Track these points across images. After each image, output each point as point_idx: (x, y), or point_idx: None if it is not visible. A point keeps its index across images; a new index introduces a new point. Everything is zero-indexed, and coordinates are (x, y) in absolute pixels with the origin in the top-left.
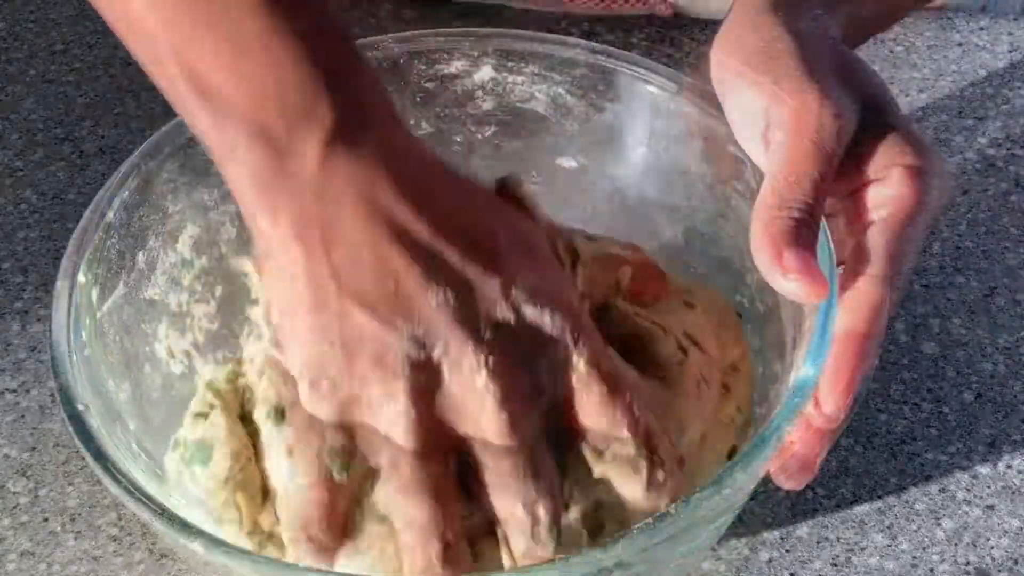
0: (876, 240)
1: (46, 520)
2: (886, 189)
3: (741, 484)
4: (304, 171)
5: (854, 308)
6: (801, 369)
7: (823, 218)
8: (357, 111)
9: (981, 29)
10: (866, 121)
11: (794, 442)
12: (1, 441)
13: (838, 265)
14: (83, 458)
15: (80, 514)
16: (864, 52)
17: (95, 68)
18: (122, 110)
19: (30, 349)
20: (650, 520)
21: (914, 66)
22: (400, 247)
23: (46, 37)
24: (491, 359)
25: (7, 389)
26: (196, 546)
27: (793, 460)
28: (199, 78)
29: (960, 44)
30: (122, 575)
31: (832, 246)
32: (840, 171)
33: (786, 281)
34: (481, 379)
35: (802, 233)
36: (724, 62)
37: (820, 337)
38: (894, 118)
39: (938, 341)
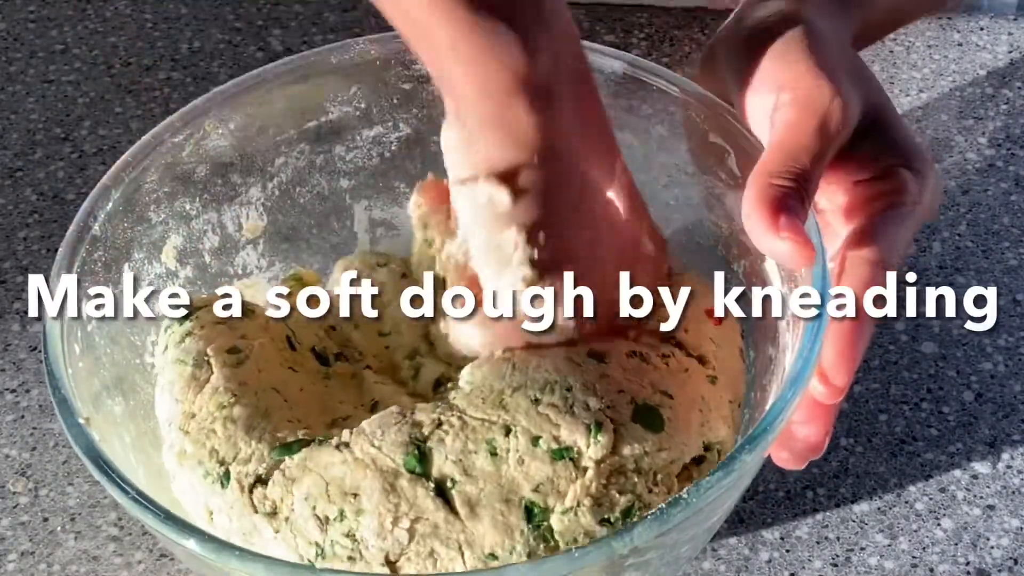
0: (873, 229)
1: (46, 520)
2: (882, 186)
3: (749, 467)
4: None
5: (852, 286)
6: (802, 349)
7: (813, 209)
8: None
9: (981, 29)
10: (869, 123)
11: (795, 425)
12: (1, 441)
13: (832, 257)
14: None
15: (80, 514)
16: (865, 53)
17: (95, 68)
18: (122, 110)
19: (30, 349)
20: (662, 506)
21: (914, 66)
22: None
23: (46, 37)
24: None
25: (7, 389)
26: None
27: (799, 441)
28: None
29: (960, 44)
30: (122, 575)
31: (820, 232)
32: (841, 167)
33: (778, 241)
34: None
35: (795, 202)
36: (745, 48)
37: (819, 314)
38: (894, 125)
39: (938, 341)
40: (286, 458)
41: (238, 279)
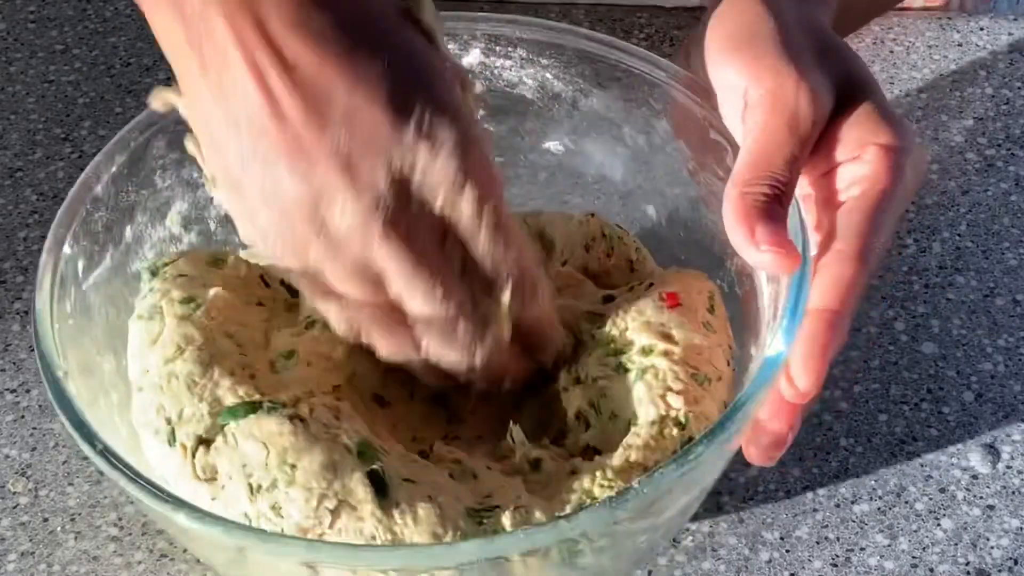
0: (848, 218)
1: (46, 520)
2: (860, 167)
3: (705, 460)
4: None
5: (825, 285)
6: (771, 346)
7: (797, 197)
8: None
9: (981, 29)
10: (844, 101)
11: (761, 420)
12: (1, 441)
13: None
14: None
15: (80, 514)
16: (864, 53)
17: (95, 68)
18: (122, 110)
19: (30, 349)
20: (614, 494)
21: (914, 66)
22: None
23: (46, 37)
24: (383, 218)
25: (7, 389)
26: (180, 517)
27: (765, 435)
28: None
29: (960, 44)
30: (122, 575)
31: (806, 224)
32: (816, 150)
33: (759, 254)
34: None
35: (774, 208)
36: (710, 42)
37: (792, 313)
38: (872, 98)
39: (938, 341)
40: (230, 422)
41: (243, 248)
